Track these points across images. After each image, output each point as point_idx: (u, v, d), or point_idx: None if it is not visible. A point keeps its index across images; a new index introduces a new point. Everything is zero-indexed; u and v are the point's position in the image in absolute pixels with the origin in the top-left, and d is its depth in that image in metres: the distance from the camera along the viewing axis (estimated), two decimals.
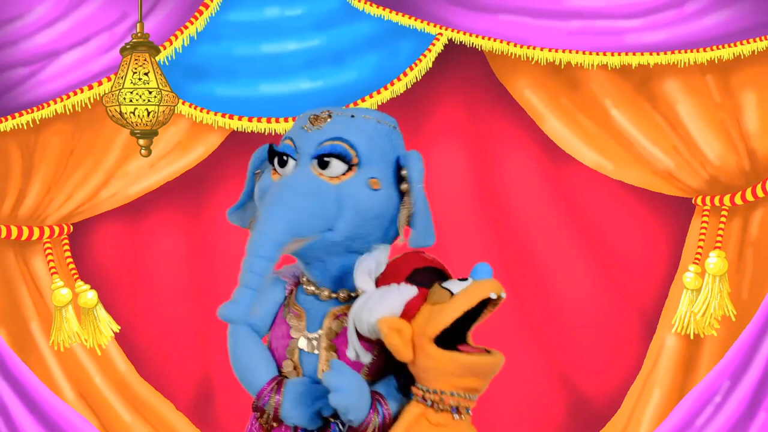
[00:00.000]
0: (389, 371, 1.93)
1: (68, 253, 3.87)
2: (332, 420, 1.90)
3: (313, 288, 1.99)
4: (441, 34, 3.52)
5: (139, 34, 3.07)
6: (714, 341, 3.57)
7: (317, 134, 1.92)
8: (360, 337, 1.86)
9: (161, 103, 3.02)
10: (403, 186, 1.95)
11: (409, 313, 1.83)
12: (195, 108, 3.61)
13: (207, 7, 3.47)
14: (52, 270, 3.77)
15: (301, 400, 1.90)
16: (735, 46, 3.39)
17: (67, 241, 3.88)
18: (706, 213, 3.65)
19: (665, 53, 3.42)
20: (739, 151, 3.53)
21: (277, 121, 3.60)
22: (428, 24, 3.50)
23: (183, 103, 3.51)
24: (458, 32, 3.50)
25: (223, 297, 1.80)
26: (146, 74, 3.01)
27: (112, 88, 3.04)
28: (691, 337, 3.59)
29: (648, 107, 3.62)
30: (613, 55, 3.45)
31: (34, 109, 3.51)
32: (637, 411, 3.70)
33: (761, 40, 3.37)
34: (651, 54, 3.43)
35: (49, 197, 3.74)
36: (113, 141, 3.73)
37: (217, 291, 3.83)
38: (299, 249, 1.89)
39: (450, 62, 3.67)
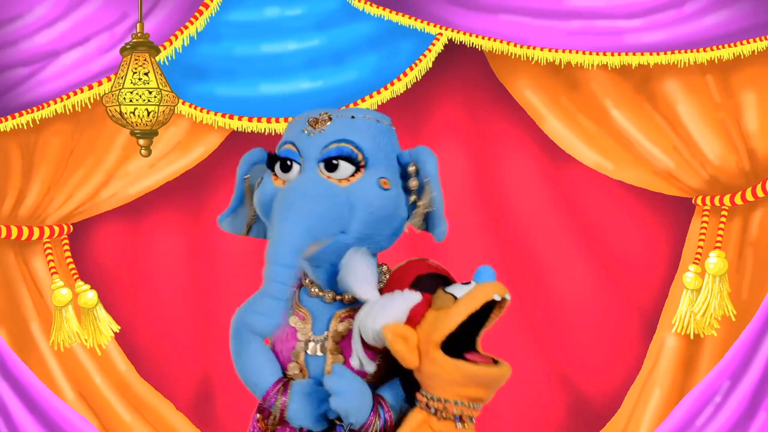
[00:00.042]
0: (393, 376, 1.93)
1: (68, 253, 3.87)
2: (338, 422, 1.89)
3: (317, 290, 1.98)
4: (441, 34, 3.52)
5: (139, 34, 3.07)
6: (714, 341, 3.57)
7: (320, 137, 1.91)
8: (365, 345, 1.85)
9: (161, 103, 3.01)
10: (412, 183, 1.94)
11: (413, 319, 1.82)
12: (195, 108, 3.61)
13: (207, 7, 3.46)
14: (52, 270, 3.76)
15: (308, 401, 1.89)
16: (735, 46, 3.38)
17: (67, 241, 3.87)
18: (706, 213, 3.65)
19: (665, 53, 3.42)
20: (739, 151, 3.52)
21: (277, 121, 3.59)
22: (428, 24, 3.49)
23: (183, 103, 3.51)
24: (458, 32, 3.49)
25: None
26: (146, 74, 3.00)
27: (112, 88, 3.03)
28: (691, 337, 3.59)
29: (648, 107, 3.62)
30: (613, 55, 3.44)
31: (34, 109, 3.50)
32: (637, 411, 3.70)
33: (761, 40, 3.37)
34: (651, 54, 3.42)
35: (49, 197, 3.73)
36: (113, 141, 3.73)
37: (217, 291, 3.84)
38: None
39: (450, 62, 3.67)
